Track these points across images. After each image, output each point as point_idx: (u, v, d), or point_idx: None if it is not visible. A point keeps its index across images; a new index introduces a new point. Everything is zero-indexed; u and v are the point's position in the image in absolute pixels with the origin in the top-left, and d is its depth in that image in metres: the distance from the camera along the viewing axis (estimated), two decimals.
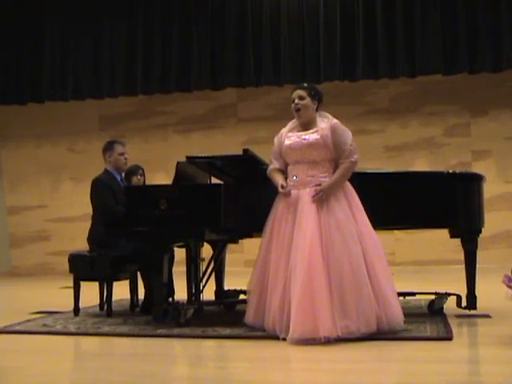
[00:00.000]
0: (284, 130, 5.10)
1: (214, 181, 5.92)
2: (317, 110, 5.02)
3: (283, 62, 11.45)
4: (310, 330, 4.46)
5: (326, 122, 4.95)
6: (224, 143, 11.61)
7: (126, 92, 12.22)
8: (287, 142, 4.98)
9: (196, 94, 12.05)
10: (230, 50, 11.70)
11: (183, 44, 11.92)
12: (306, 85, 5.11)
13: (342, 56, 11.23)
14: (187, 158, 5.56)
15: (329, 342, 4.43)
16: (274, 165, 5.09)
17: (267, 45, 11.56)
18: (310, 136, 4.90)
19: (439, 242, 9.06)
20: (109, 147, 6.40)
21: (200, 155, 5.61)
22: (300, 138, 4.93)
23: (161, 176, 10.89)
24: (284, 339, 4.57)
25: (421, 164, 11.30)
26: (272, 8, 11.62)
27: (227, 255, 6.63)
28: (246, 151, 5.44)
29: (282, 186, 4.88)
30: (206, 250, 6.00)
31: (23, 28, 12.59)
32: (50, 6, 12.56)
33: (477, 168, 10.41)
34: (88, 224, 6.30)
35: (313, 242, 4.62)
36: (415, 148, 11.55)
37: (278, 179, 4.97)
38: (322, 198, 4.75)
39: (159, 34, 12.05)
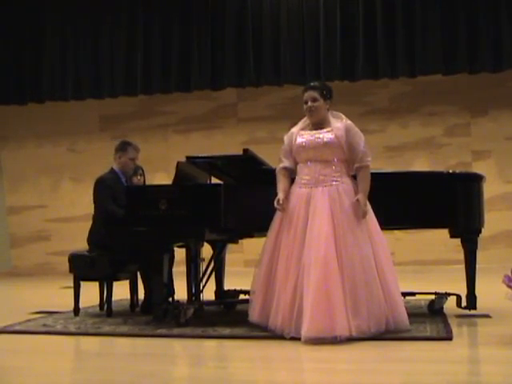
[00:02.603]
0: (295, 129, 5.07)
1: (214, 181, 5.93)
2: (328, 108, 5.02)
3: (283, 61, 11.45)
4: (325, 329, 4.47)
5: (340, 122, 4.95)
6: (224, 143, 11.62)
7: (127, 92, 12.22)
8: (300, 140, 4.96)
9: (196, 94, 12.05)
10: (230, 50, 11.70)
11: (183, 44, 11.92)
12: (317, 84, 5.07)
13: (341, 56, 11.23)
14: (187, 157, 5.57)
15: (340, 341, 4.44)
16: (283, 163, 5.06)
17: (267, 45, 11.56)
18: (325, 135, 4.89)
19: (439, 241, 9.04)
20: (122, 148, 6.34)
21: (200, 155, 5.61)
22: (314, 137, 4.92)
23: (161, 176, 10.88)
24: (292, 338, 4.58)
25: (421, 164, 11.30)
26: (272, 8, 11.63)
27: (227, 255, 6.63)
28: (246, 151, 5.44)
29: (278, 202, 4.87)
30: (206, 250, 6.00)
31: (23, 28, 12.60)
32: (49, 5, 12.56)
33: (477, 168, 10.41)
34: (88, 224, 6.30)
35: (328, 241, 4.63)
36: (415, 148, 11.55)
37: (280, 188, 4.96)
38: (366, 210, 4.77)
39: (159, 33, 12.05)
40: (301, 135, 4.99)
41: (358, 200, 4.76)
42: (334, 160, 4.88)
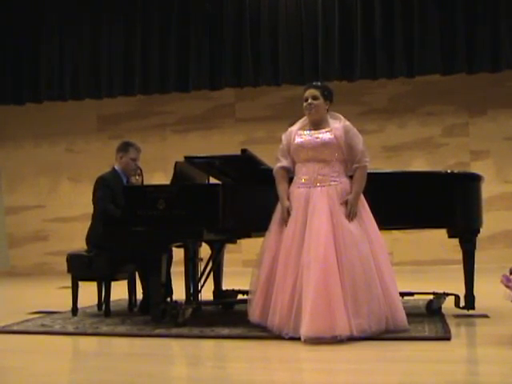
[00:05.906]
0: (293, 128, 5.08)
1: (212, 181, 5.92)
2: (327, 109, 5.03)
3: (281, 61, 11.45)
4: (325, 328, 4.46)
5: (338, 123, 4.96)
6: (222, 143, 11.62)
7: (125, 92, 12.22)
8: (298, 139, 4.97)
9: (194, 93, 12.05)
10: (229, 50, 11.70)
11: (181, 44, 11.91)
12: (319, 84, 5.11)
13: (340, 56, 11.24)
14: (185, 158, 5.56)
15: (340, 340, 4.43)
16: (281, 163, 5.06)
17: (265, 45, 11.56)
18: (324, 135, 4.90)
19: (437, 241, 9.07)
20: (123, 148, 6.35)
21: (198, 155, 5.61)
22: (313, 137, 4.92)
23: (159, 176, 10.87)
24: (291, 338, 4.57)
25: (419, 164, 11.30)
26: (270, 8, 11.63)
27: (225, 255, 6.62)
28: (244, 151, 5.43)
29: (288, 212, 4.87)
30: (204, 250, 6.00)
31: (21, 28, 12.59)
32: (48, 5, 12.55)
33: (475, 168, 10.42)
34: (86, 224, 6.30)
35: (327, 241, 4.63)
36: (413, 148, 11.56)
37: (283, 196, 4.95)
38: (355, 211, 4.78)
39: (157, 33, 12.05)
40: (299, 135, 4.99)
41: (347, 201, 4.78)
42: (333, 160, 4.89)
